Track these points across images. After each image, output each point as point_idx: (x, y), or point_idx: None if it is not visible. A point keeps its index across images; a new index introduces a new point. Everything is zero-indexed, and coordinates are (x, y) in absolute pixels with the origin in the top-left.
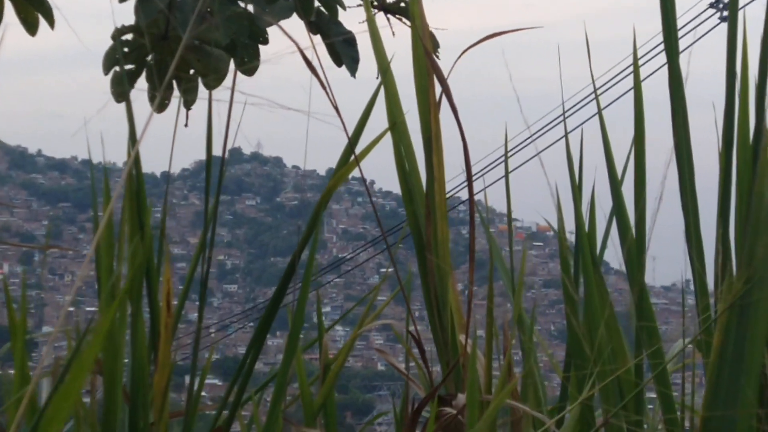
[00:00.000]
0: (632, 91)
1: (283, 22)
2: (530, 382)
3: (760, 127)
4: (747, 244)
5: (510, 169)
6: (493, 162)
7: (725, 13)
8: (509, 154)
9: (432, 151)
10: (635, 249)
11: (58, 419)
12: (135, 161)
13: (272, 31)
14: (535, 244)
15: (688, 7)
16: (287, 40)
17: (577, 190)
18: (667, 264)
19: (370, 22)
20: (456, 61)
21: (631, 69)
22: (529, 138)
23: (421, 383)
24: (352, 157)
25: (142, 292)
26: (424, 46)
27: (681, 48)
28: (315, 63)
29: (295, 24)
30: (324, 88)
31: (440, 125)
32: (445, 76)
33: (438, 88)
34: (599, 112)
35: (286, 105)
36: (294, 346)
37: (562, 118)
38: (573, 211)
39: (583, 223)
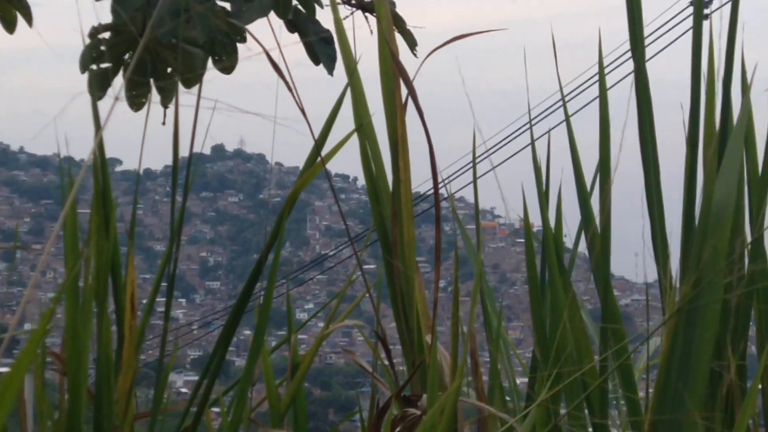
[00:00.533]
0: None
1: (261, 20)
2: (496, 383)
3: (725, 129)
4: (694, 248)
5: (488, 169)
6: (478, 157)
7: (705, 11)
8: (488, 153)
9: (398, 153)
10: (599, 247)
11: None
12: (100, 156)
13: (251, 28)
14: (518, 240)
15: (668, 5)
16: (267, 36)
17: (543, 196)
18: (650, 260)
19: (337, 22)
20: (422, 63)
21: (610, 68)
22: (509, 135)
23: (388, 383)
24: (319, 159)
25: (108, 291)
26: (390, 49)
27: (661, 46)
28: (288, 63)
29: (272, 22)
30: (290, 90)
31: (406, 128)
32: (411, 79)
33: (404, 90)
34: (567, 119)
35: (253, 110)
36: (260, 344)
37: (541, 116)
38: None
39: (549, 226)
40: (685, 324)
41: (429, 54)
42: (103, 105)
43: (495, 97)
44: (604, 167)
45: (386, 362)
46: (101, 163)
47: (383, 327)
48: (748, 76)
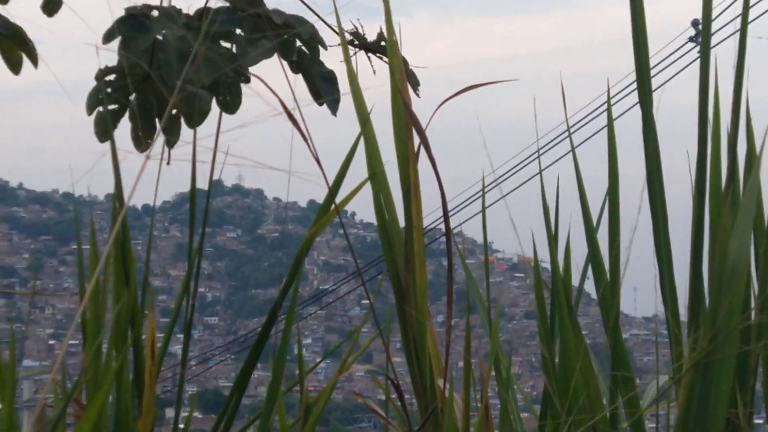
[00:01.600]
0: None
1: (264, 61)
2: (507, 422)
3: (732, 177)
4: (711, 304)
5: (489, 203)
6: (474, 195)
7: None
8: (490, 187)
9: (411, 201)
10: (609, 293)
11: None
12: (121, 210)
13: (255, 69)
14: (516, 275)
15: (670, 40)
16: (271, 75)
17: (552, 239)
18: (648, 294)
19: (351, 76)
20: (431, 117)
21: (614, 101)
22: (508, 171)
23: (401, 428)
24: (333, 207)
25: (127, 339)
26: (404, 101)
27: (664, 80)
28: (298, 115)
29: (277, 63)
30: (307, 141)
31: (419, 176)
32: (424, 128)
33: (417, 139)
34: (572, 151)
35: (268, 152)
36: (277, 387)
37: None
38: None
39: (558, 272)
40: (701, 378)
41: (440, 105)
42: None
43: (498, 131)
44: (613, 210)
45: (398, 405)
46: (122, 214)
47: (395, 371)
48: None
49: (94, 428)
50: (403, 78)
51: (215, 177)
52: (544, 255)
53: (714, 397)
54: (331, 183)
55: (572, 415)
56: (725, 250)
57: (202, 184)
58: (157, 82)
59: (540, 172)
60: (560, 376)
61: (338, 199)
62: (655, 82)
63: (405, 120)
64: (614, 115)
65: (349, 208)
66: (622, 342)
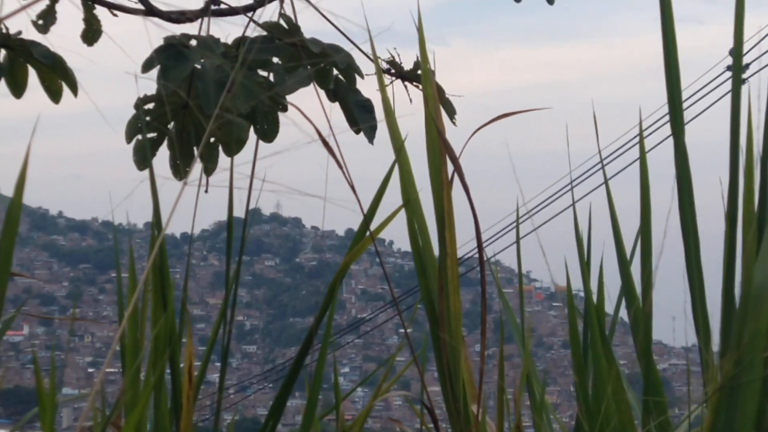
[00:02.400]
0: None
1: (301, 90)
2: None
3: (764, 205)
4: (735, 328)
5: (525, 233)
6: (510, 224)
7: (743, 76)
8: (526, 216)
9: (445, 227)
10: (641, 319)
11: None
12: (159, 235)
13: (292, 98)
14: (554, 304)
15: (708, 69)
16: (305, 104)
17: (585, 267)
18: (688, 323)
19: (386, 104)
20: (465, 144)
21: (648, 130)
22: (545, 200)
23: None
24: (368, 233)
25: (165, 363)
26: (438, 130)
27: (702, 108)
28: (334, 143)
29: (313, 91)
30: (341, 168)
31: (452, 203)
32: (458, 156)
33: (451, 167)
34: (605, 182)
35: (305, 181)
36: (312, 413)
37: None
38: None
39: (591, 299)
40: (727, 400)
41: (473, 133)
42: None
43: (533, 160)
44: (645, 239)
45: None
46: (160, 241)
47: (429, 397)
48: None
49: None
50: (437, 106)
51: (252, 205)
52: (580, 284)
53: (739, 420)
54: (366, 210)
55: None
56: (750, 275)
57: (240, 212)
58: (195, 111)
59: (573, 204)
60: (593, 401)
61: (373, 226)
62: (693, 111)
63: (439, 147)
64: (649, 144)
65: (386, 236)
66: (654, 367)
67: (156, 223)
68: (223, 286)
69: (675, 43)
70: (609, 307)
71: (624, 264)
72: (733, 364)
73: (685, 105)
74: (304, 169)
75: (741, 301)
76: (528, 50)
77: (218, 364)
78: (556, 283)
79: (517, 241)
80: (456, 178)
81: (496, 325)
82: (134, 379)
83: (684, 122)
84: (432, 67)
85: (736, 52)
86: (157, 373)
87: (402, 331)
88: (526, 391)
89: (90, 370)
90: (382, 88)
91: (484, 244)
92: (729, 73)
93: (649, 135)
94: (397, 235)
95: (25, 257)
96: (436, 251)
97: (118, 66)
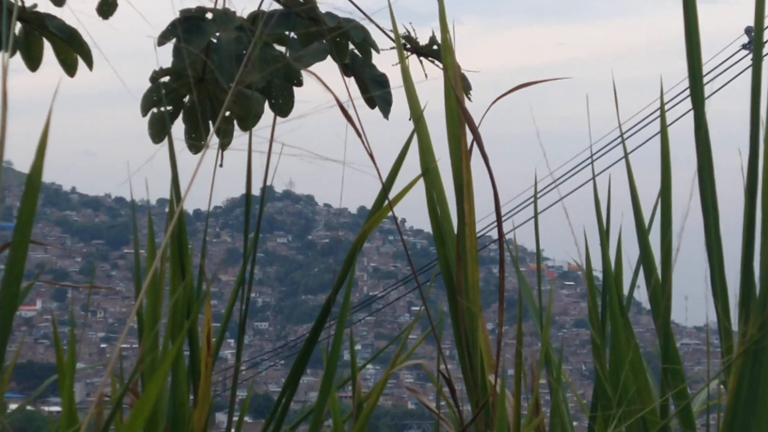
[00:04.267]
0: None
1: (317, 64)
2: (558, 422)
3: None
4: (761, 291)
5: (540, 210)
6: (525, 201)
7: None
8: (540, 194)
9: (463, 197)
10: (660, 291)
11: None
12: (178, 206)
13: (306, 72)
14: (566, 283)
15: (723, 47)
16: (324, 78)
17: (604, 235)
18: (700, 303)
19: (405, 73)
20: (485, 112)
21: (668, 105)
22: (560, 177)
23: (452, 422)
24: (386, 202)
25: (184, 330)
26: (457, 97)
27: (717, 86)
28: (351, 111)
29: (328, 66)
30: (360, 136)
31: (471, 172)
32: (477, 125)
33: (470, 136)
34: (626, 156)
35: (321, 154)
36: (329, 385)
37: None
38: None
39: (610, 268)
40: (751, 364)
41: (494, 101)
42: (160, 147)
43: (550, 137)
44: (665, 215)
45: (450, 401)
46: (179, 211)
47: (447, 366)
48: None
49: (150, 416)
50: (457, 73)
51: (269, 178)
52: (595, 263)
53: (764, 383)
54: (384, 179)
55: (622, 407)
56: None
57: (255, 187)
58: (210, 84)
59: (594, 177)
60: (611, 371)
61: (391, 196)
62: (708, 90)
63: (458, 116)
64: (669, 120)
65: (399, 214)
66: (672, 337)
67: (175, 191)
68: (236, 262)
69: (696, 12)
70: (627, 281)
71: (643, 233)
72: (757, 327)
73: (705, 80)
74: (322, 143)
75: (763, 267)
76: (543, 29)
77: (230, 341)
78: (573, 261)
79: (536, 216)
80: (475, 149)
81: (509, 304)
82: (152, 347)
83: (704, 94)
84: (451, 39)
85: (758, 18)
86: (178, 341)
87: (414, 308)
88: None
89: (103, 345)
90: (402, 58)
91: (504, 219)
92: (744, 52)
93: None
94: (409, 213)
95: (38, 232)
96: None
97: (134, 41)
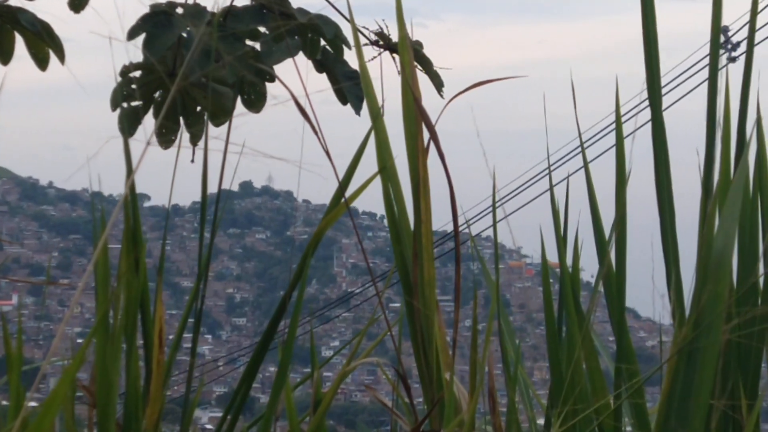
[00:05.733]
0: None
1: (289, 60)
2: (513, 419)
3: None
4: (695, 291)
5: (519, 206)
6: (507, 196)
7: (733, 54)
8: (511, 195)
9: (420, 195)
10: (615, 286)
11: None
12: (131, 196)
13: (279, 68)
14: None
15: (698, 47)
16: (295, 75)
17: (561, 240)
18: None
19: (362, 68)
20: (443, 108)
21: (639, 108)
22: (533, 178)
23: (408, 419)
24: (343, 200)
25: (137, 327)
26: (414, 95)
27: (692, 86)
28: (315, 101)
29: (300, 62)
30: (315, 132)
31: (428, 170)
32: (434, 123)
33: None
34: (585, 165)
35: (280, 153)
36: (283, 379)
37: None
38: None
39: (566, 265)
40: (685, 364)
41: (451, 99)
42: (133, 143)
43: (521, 135)
44: (620, 206)
45: (406, 399)
46: (132, 202)
47: (404, 365)
48: (764, 121)
49: (102, 411)
50: (413, 71)
51: (233, 175)
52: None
53: (696, 384)
54: (341, 177)
55: (568, 404)
56: (710, 240)
57: (226, 183)
58: (178, 80)
59: (551, 188)
60: (565, 365)
61: (348, 194)
62: (682, 90)
63: (414, 114)
64: (628, 126)
65: (378, 210)
66: (627, 334)
67: (130, 186)
68: (214, 258)
69: (653, 12)
70: (586, 279)
71: (599, 230)
72: (691, 327)
73: (672, 84)
74: (294, 142)
75: (700, 265)
76: (524, 26)
77: (208, 336)
78: (548, 259)
79: (494, 212)
80: (432, 148)
81: (487, 301)
82: (104, 343)
83: (662, 91)
84: (413, 35)
85: (715, 17)
86: (128, 336)
87: (393, 305)
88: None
89: (79, 340)
90: (359, 53)
91: (471, 221)
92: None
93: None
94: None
95: (14, 227)
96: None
97: (105, 35)
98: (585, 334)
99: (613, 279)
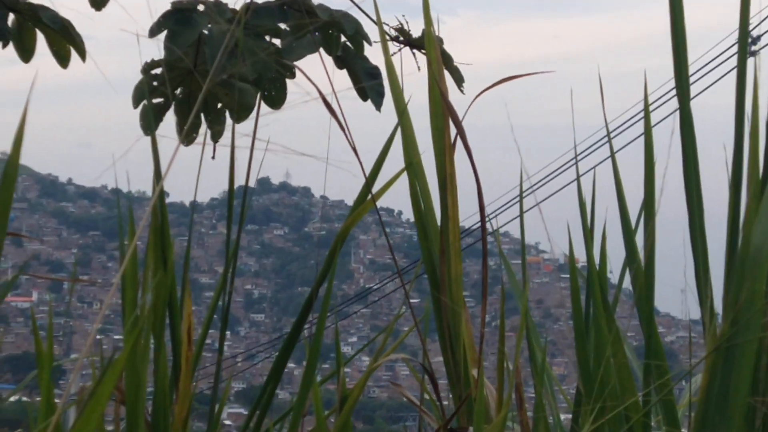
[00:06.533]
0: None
1: (310, 57)
2: (541, 416)
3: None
4: (732, 288)
5: (528, 207)
6: (517, 196)
7: (753, 48)
8: (533, 188)
9: (447, 190)
10: (644, 283)
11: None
12: (159, 195)
13: (300, 63)
14: (562, 276)
15: (719, 40)
16: (315, 71)
17: (588, 233)
18: (695, 298)
19: (388, 63)
20: (470, 105)
21: (659, 101)
22: (555, 171)
23: (435, 416)
24: (369, 196)
25: (165, 324)
26: (440, 90)
27: (711, 81)
28: (336, 105)
29: (317, 58)
30: (342, 129)
31: (455, 166)
32: (461, 119)
33: (454, 129)
34: (612, 156)
35: (304, 150)
36: (311, 377)
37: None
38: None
39: (593, 265)
40: (723, 361)
41: (478, 95)
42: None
43: (543, 130)
44: (649, 203)
45: (433, 395)
46: (160, 200)
47: (430, 361)
48: None
49: (132, 411)
50: (440, 66)
51: (257, 169)
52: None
53: (735, 382)
54: (368, 173)
55: (600, 402)
56: (748, 236)
57: (249, 182)
58: (200, 77)
59: (578, 178)
60: (594, 363)
61: (376, 189)
62: (704, 83)
63: (441, 109)
64: (657, 117)
65: (395, 206)
66: (656, 331)
67: (156, 177)
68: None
69: (681, 3)
70: (615, 279)
71: (627, 226)
72: (729, 324)
73: (696, 77)
74: (314, 138)
75: (739, 262)
76: (539, 22)
77: (226, 333)
78: (565, 253)
79: (520, 203)
80: (459, 143)
81: (508, 297)
82: (133, 340)
83: (690, 84)
84: (437, 31)
85: (743, 9)
86: (156, 333)
87: (412, 301)
88: (528, 362)
89: (99, 337)
90: (385, 49)
91: (491, 216)
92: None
93: (660, 103)
94: (406, 205)
95: (34, 224)
96: (438, 217)
97: (126, 33)
98: (614, 332)
99: (641, 275)
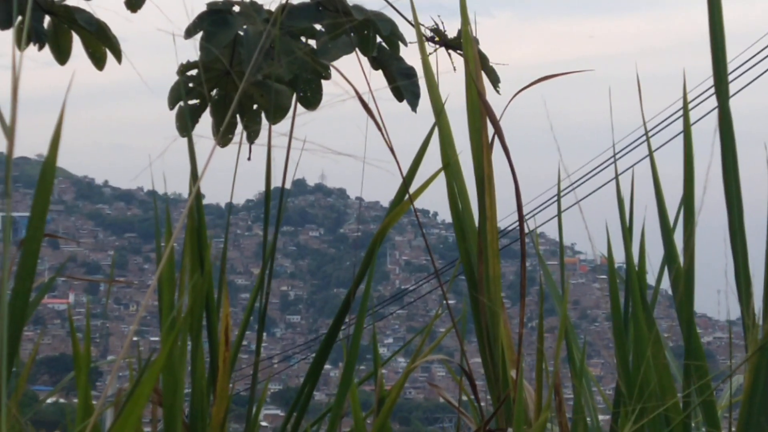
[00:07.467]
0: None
1: (345, 57)
2: (580, 418)
3: None
4: None
5: (574, 203)
6: (554, 196)
7: None
8: (571, 188)
9: (485, 191)
10: (683, 284)
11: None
12: (196, 197)
13: (335, 64)
14: (598, 277)
15: (755, 39)
16: (350, 72)
17: (627, 233)
18: (733, 297)
19: (425, 63)
20: (506, 106)
21: (693, 103)
22: (591, 171)
23: (473, 417)
24: (407, 197)
25: (202, 325)
26: (478, 90)
27: (746, 81)
28: (373, 105)
29: (352, 59)
30: (380, 129)
31: (493, 165)
32: (498, 118)
33: (491, 129)
34: (650, 154)
35: (341, 150)
36: (349, 379)
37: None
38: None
39: (632, 265)
40: (766, 362)
41: (516, 94)
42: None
43: (577, 131)
44: (688, 204)
45: (471, 397)
46: (197, 203)
47: (468, 361)
48: None
49: (169, 413)
50: (478, 66)
51: (293, 169)
52: (622, 257)
53: None
54: (405, 173)
55: (640, 403)
56: None
57: (281, 183)
58: (237, 77)
59: (616, 177)
60: (633, 365)
61: (414, 189)
62: (739, 84)
63: (479, 109)
64: (697, 116)
65: (430, 208)
66: (695, 331)
67: (193, 178)
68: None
69: (720, 4)
70: (652, 280)
71: (666, 227)
72: None
73: (731, 77)
74: (349, 138)
75: None
76: (573, 22)
77: (264, 334)
78: (602, 254)
79: (558, 204)
80: (496, 143)
81: (544, 298)
82: (171, 342)
83: (728, 84)
84: (473, 31)
85: None
86: (193, 335)
87: (446, 302)
88: (565, 362)
89: (136, 338)
90: (423, 50)
91: (527, 216)
92: None
93: (694, 108)
94: (441, 206)
95: (70, 226)
96: (476, 217)
97: (162, 34)
98: (654, 333)
99: (681, 277)
